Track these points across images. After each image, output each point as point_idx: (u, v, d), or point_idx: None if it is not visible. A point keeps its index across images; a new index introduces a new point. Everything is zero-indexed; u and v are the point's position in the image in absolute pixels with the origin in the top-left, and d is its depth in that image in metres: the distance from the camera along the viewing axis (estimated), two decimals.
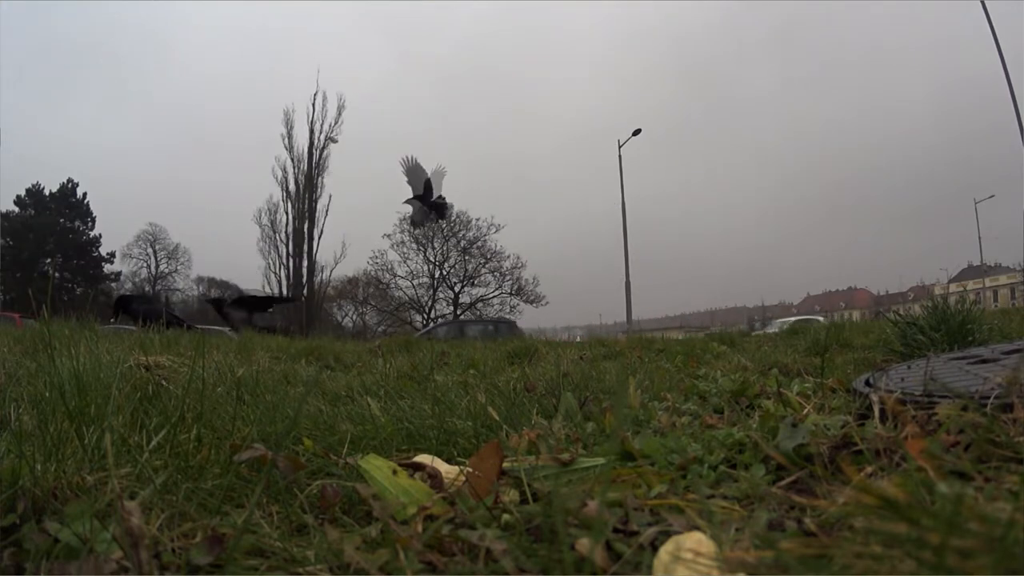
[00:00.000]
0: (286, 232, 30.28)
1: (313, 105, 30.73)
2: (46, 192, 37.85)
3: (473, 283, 33.30)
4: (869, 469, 0.81)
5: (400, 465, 0.90)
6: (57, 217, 37.60)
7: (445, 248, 33.12)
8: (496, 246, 32.97)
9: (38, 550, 0.67)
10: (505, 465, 0.93)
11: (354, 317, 34.77)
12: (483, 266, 33.07)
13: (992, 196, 36.22)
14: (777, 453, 0.93)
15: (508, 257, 32.91)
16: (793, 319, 25.22)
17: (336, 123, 30.79)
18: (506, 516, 0.77)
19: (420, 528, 0.74)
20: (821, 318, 24.36)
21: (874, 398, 1.09)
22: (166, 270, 40.49)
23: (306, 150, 30.22)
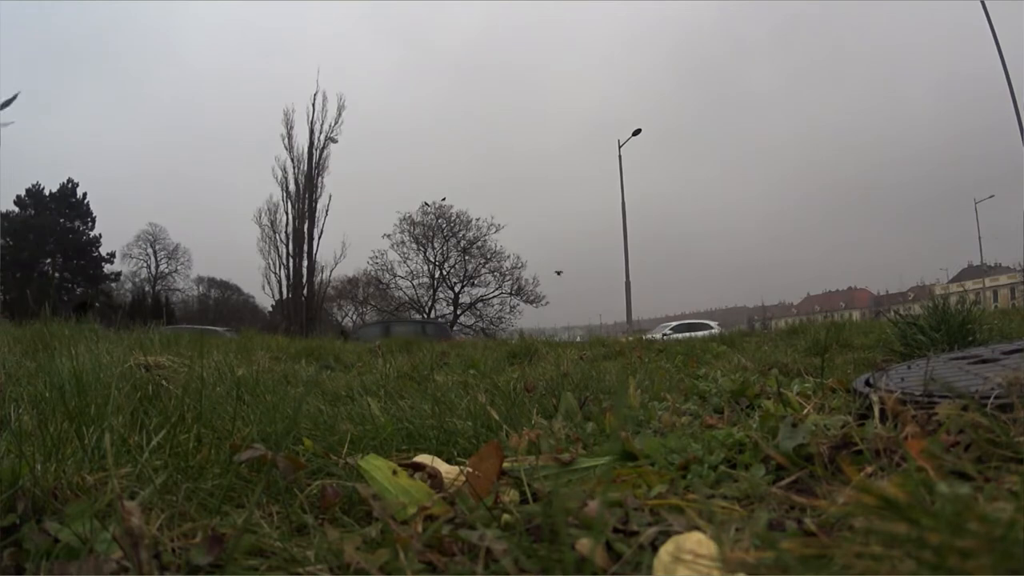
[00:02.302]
0: (286, 232, 30.26)
1: (313, 105, 30.70)
2: (46, 192, 37.85)
3: (473, 283, 33.30)
4: (869, 469, 0.81)
5: (400, 465, 0.90)
6: (57, 217, 37.61)
7: (445, 248, 33.12)
8: (496, 246, 32.97)
9: (38, 550, 0.67)
10: (505, 465, 0.93)
11: (354, 317, 34.77)
12: (483, 266, 33.07)
13: (992, 196, 36.27)
14: (777, 453, 0.93)
15: (508, 257, 32.91)
16: (675, 323, 23.27)
17: (336, 123, 30.74)
18: (506, 516, 0.77)
19: (420, 528, 0.75)
20: (714, 324, 22.18)
21: (874, 398, 1.09)
22: (166, 270, 40.50)
23: (306, 150, 30.19)
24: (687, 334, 11.88)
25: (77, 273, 37.87)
